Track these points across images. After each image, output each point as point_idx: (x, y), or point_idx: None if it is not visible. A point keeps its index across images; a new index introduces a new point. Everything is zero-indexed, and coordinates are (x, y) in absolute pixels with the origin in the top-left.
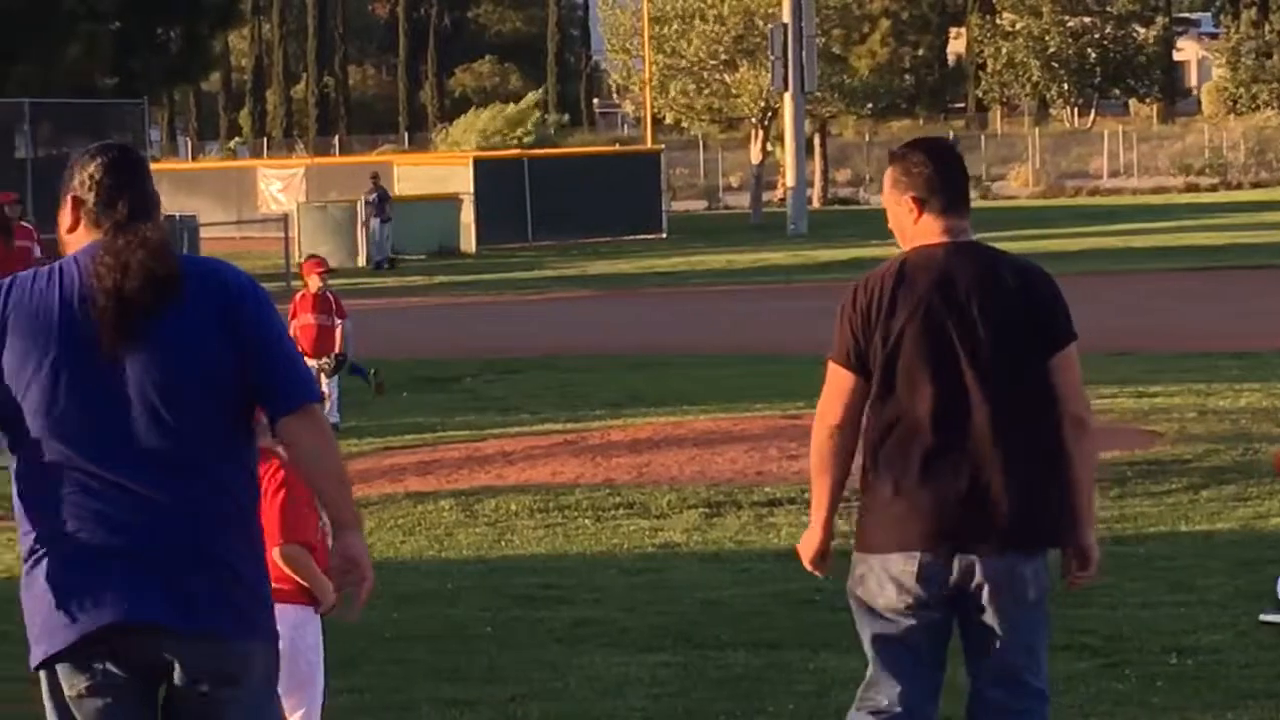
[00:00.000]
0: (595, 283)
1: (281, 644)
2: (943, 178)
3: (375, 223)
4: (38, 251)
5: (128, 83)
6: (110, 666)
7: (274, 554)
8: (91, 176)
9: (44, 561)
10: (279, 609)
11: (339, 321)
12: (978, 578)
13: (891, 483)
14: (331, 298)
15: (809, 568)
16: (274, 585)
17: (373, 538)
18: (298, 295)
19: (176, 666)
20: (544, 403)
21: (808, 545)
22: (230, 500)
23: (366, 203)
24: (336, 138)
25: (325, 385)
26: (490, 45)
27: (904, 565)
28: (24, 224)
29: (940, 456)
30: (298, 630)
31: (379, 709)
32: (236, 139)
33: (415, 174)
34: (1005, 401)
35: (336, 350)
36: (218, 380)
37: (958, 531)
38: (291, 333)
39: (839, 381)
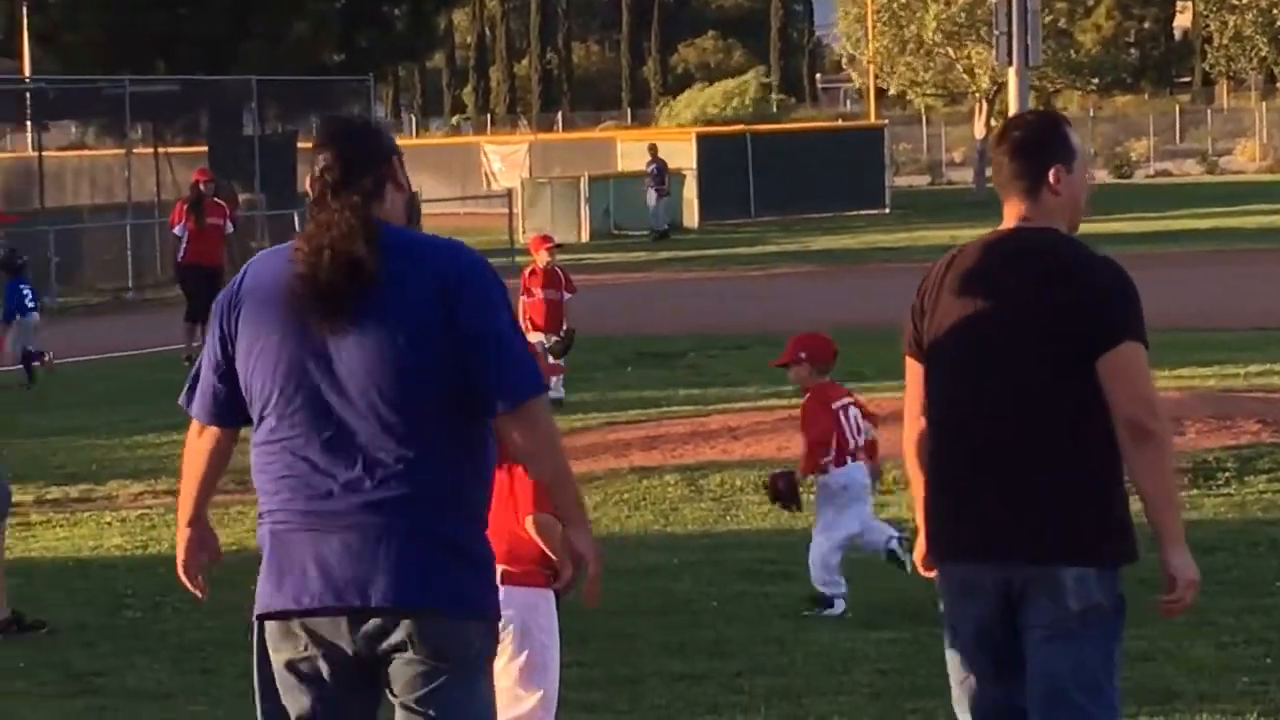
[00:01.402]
0: (818, 258)
1: (514, 625)
2: (1011, 164)
3: (652, 194)
4: (230, 228)
5: (354, 60)
6: (320, 642)
7: (526, 523)
8: (315, 152)
9: (266, 532)
10: (509, 591)
11: (567, 296)
12: (1014, 587)
13: (924, 483)
14: (560, 273)
15: (922, 571)
16: (504, 568)
17: (598, 512)
18: (526, 271)
19: (391, 644)
20: (769, 377)
21: (918, 550)
22: (446, 478)
23: (647, 175)
24: (559, 114)
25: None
26: (713, 20)
27: (943, 574)
28: (217, 201)
29: (957, 459)
30: (530, 611)
31: (607, 682)
32: (460, 115)
33: (638, 150)
34: (1028, 403)
35: (565, 326)
36: (429, 359)
37: (985, 539)
38: (520, 308)
39: (909, 372)
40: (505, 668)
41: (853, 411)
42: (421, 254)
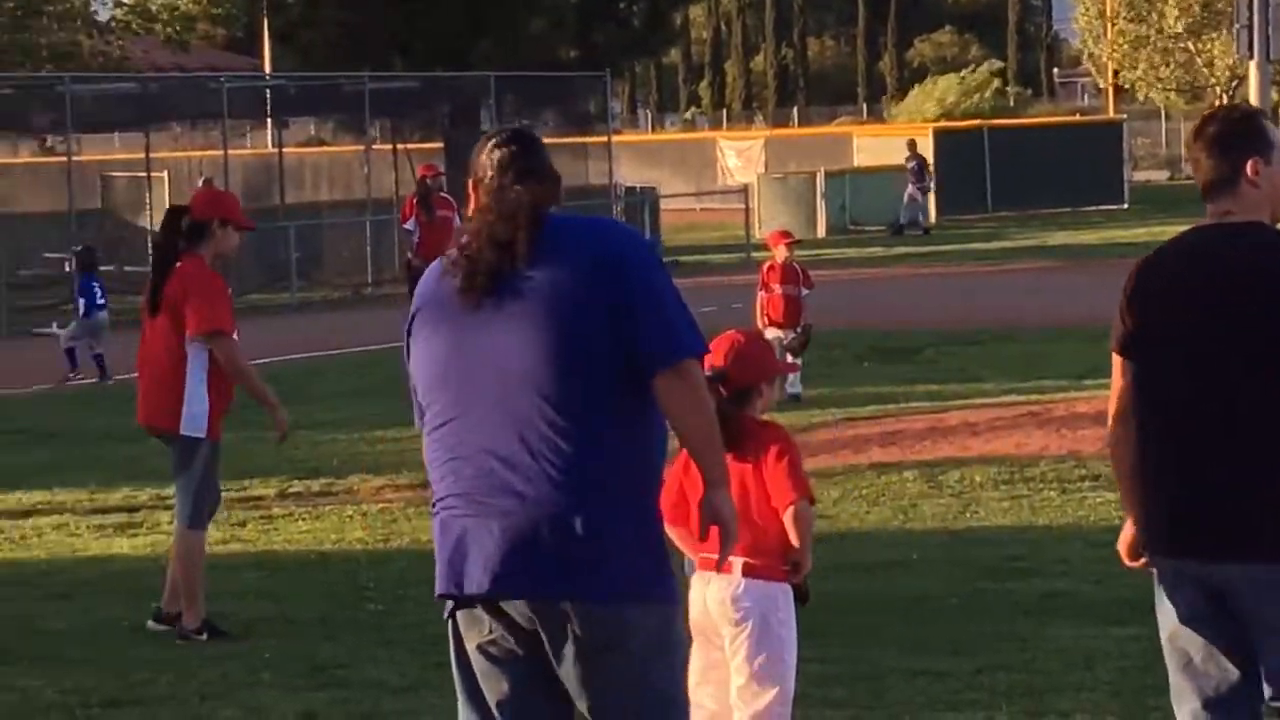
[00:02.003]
0: (1056, 253)
1: (753, 619)
2: (1208, 159)
3: (911, 189)
4: (458, 221)
5: (590, 56)
6: (503, 626)
7: (785, 515)
8: (483, 160)
9: (436, 519)
10: (749, 584)
11: (805, 292)
12: (1220, 581)
13: (1131, 479)
14: (798, 268)
15: (1126, 561)
16: (745, 560)
17: (837, 508)
18: (764, 266)
19: (554, 630)
20: (1007, 374)
21: (1122, 540)
22: (608, 460)
23: (906, 171)
24: (795, 109)
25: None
26: (949, 15)
27: (1155, 566)
28: (444, 195)
29: (1165, 455)
30: (769, 604)
31: (847, 678)
32: (693, 108)
33: (874, 145)
34: (1236, 398)
35: (803, 321)
36: (586, 337)
37: (1182, 535)
38: (759, 304)
39: (1116, 368)
40: (742, 663)
41: None
42: (573, 232)
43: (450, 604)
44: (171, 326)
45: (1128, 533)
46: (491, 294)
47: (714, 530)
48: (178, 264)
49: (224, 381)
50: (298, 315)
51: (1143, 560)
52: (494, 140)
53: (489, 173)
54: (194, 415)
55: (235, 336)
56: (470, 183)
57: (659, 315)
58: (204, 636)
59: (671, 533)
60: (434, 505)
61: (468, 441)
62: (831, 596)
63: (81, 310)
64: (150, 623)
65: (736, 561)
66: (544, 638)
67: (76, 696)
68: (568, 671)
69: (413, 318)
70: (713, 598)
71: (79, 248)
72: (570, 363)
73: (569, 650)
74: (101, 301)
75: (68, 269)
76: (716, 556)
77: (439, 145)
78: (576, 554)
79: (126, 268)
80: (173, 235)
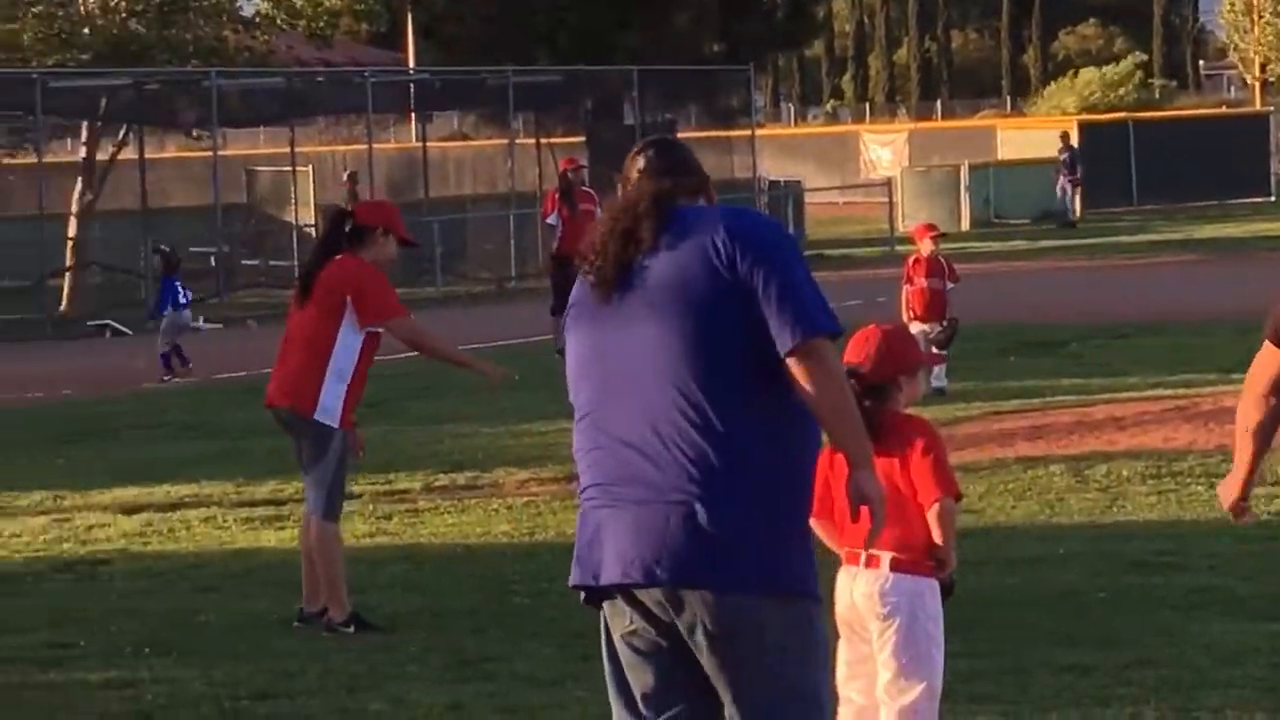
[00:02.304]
0: (1202, 246)
1: (901, 614)
2: None
3: (1063, 181)
4: (600, 215)
5: (734, 49)
6: (637, 619)
7: (930, 513)
8: (628, 165)
9: (580, 510)
10: (897, 579)
11: (950, 285)
12: None
13: (1254, 437)
14: (943, 261)
15: (1229, 511)
16: (894, 555)
17: (982, 502)
18: (910, 260)
19: (690, 621)
20: (1153, 368)
21: (1228, 493)
22: (739, 452)
23: (1058, 162)
24: (938, 102)
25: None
26: (1094, 7)
27: None
28: (586, 189)
29: None
30: (916, 600)
31: (995, 673)
32: (833, 101)
33: (1018, 138)
34: None
35: (948, 315)
36: (716, 325)
37: None
38: (904, 298)
39: (1264, 353)
40: (889, 657)
41: None
42: (701, 220)
43: (583, 594)
44: (319, 315)
45: (1233, 491)
46: (622, 286)
47: (864, 520)
48: (336, 257)
49: (363, 376)
50: (441, 309)
51: (1241, 506)
52: (637, 147)
53: (632, 175)
54: (329, 404)
55: (409, 316)
56: (620, 189)
57: (788, 295)
58: (351, 629)
59: (815, 526)
60: (580, 492)
61: (606, 433)
62: (978, 591)
63: (166, 310)
64: (296, 624)
65: (884, 556)
66: (680, 628)
67: (226, 689)
68: (706, 662)
69: (566, 316)
70: (860, 592)
71: (165, 248)
72: (701, 351)
73: (702, 641)
74: (184, 301)
75: (213, 263)
76: (862, 551)
77: (582, 139)
78: (705, 544)
79: (271, 262)
80: (338, 234)
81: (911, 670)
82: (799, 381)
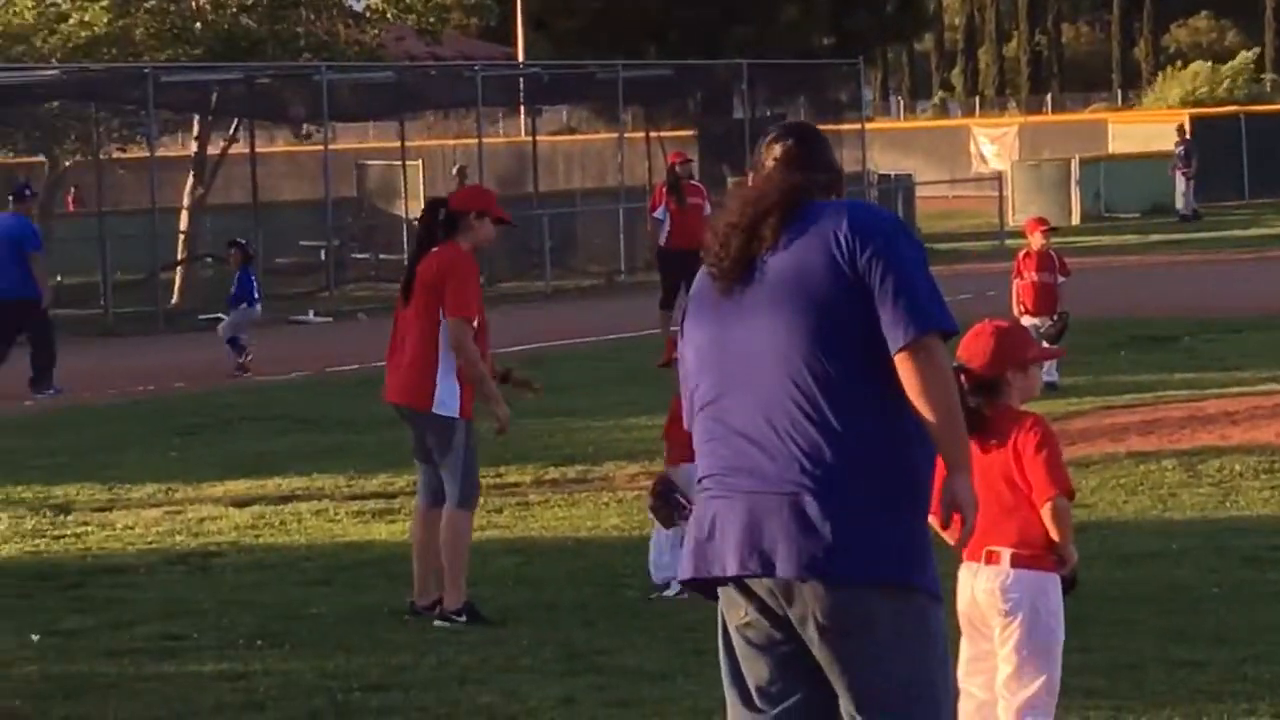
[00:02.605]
0: None
1: (1023, 609)
2: None
3: (1178, 175)
4: (709, 209)
5: (843, 42)
6: (751, 611)
7: (1043, 511)
8: (762, 152)
9: (697, 500)
10: (1019, 574)
11: (1061, 280)
12: None
13: None
14: (1054, 256)
15: None
16: (1014, 550)
17: (1094, 497)
18: (1020, 254)
19: (800, 614)
20: (1266, 362)
21: None
22: (853, 444)
23: (1174, 157)
24: (1049, 96)
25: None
26: (1207, 0)
27: None
28: (694, 183)
29: None
30: (1039, 595)
31: (1107, 668)
32: (941, 93)
33: (1129, 132)
34: None
35: (1058, 309)
36: (832, 318)
37: None
38: (1014, 291)
39: None
40: (1010, 652)
41: None
42: (823, 214)
43: (695, 585)
44: (424, 309)
45: None
46: (743, 279)
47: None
48: (433, 250)
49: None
50: (550, 303)
51: None
52: (774, 133)
53: (766, 162)
54: (445, 396)
55: (475, 324)
56: (750, 174)
57: (904, 290)
58: (463, 619)
59: (934, 523)
60: (698, 483)
61: (723, 424)
62: (1090, 586)
63: (242, 302)
64: (407, 617)
65: (1004, 552)
66: (793, 619)
67: (338, 680)
68: (819, 654)
69: (684, 311)
70: (981, 588)
71: (242, 241)
72: (817, 343)
73: (813, 633)
74: (257, 295)
75: (323, 257)
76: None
77: (691, 133)
78: (816, 536)
79: (381, 256)
80: (432, 226)
81: (1031, 665)
82: (906, 378)
